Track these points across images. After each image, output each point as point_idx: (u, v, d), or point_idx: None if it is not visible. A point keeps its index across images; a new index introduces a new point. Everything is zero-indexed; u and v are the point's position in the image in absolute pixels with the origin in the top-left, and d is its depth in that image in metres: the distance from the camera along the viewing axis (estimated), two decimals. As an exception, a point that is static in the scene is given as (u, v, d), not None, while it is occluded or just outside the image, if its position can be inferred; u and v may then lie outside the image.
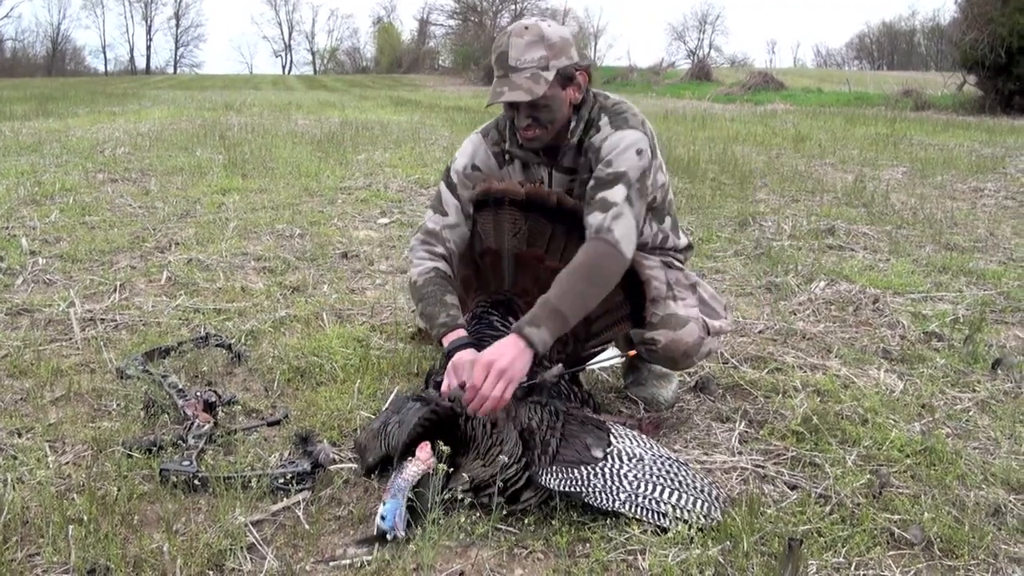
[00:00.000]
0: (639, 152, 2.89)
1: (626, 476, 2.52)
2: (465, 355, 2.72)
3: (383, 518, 2.32)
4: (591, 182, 2.91)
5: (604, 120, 2.97)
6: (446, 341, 2.84)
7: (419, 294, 3.01)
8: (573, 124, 2.99)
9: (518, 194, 3.03)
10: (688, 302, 3.13)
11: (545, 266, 3.04)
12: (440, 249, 3.08)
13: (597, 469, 2.52)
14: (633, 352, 3.04)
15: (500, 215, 3.07)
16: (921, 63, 72.52)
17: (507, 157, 3.14)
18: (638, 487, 2.48)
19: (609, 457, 2.58)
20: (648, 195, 2.96)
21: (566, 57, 2.87)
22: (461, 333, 2.84)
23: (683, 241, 3.31)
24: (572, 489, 2.43)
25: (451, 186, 3.14)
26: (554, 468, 2.48)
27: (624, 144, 2.89)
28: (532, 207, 3.03)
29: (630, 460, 2.59)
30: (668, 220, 3.23)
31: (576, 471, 2.49)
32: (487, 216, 3.10)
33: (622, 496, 2.44)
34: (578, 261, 2.78)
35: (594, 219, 2.83)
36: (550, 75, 2.83)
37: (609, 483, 2.48)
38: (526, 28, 2.86)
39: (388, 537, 2.32)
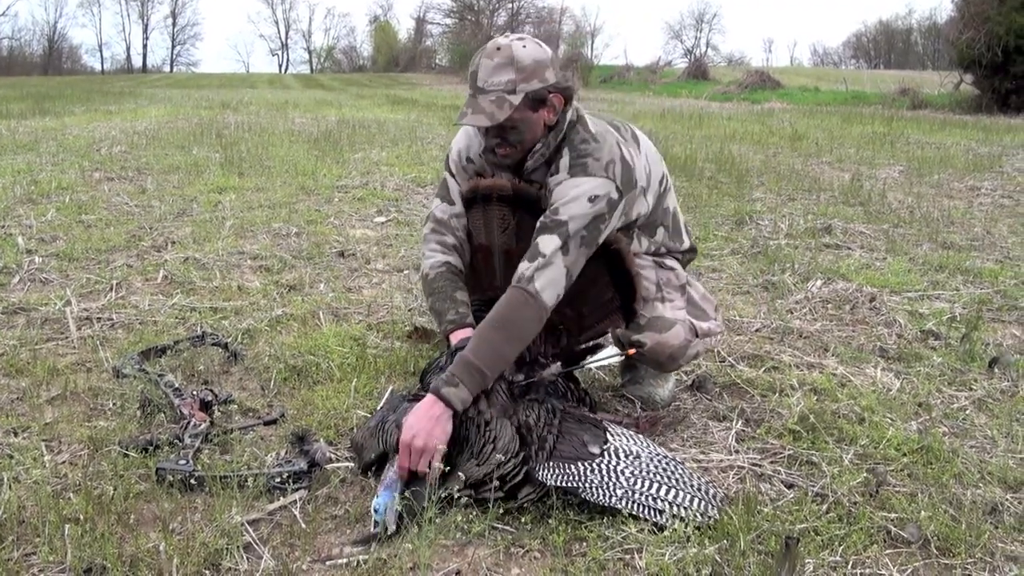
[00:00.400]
0: (592, 199, 2.82)
1: (623, 473, 2.52)
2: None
3: (375, 511, 2.33)
4: (539, 223, 2.86)
5: (564, 160, 2.92)
6: (454, 338, 2.88)
7: (429, 288, 3.05)
8: (540, 146, 2.94)
9: (505, 189, 3.02)
10: (676, 304, 3.13)
11: None
12: (451, 239, 3.11)
13: (594, 465, 2.52)
14: (632, 351, 3.05)
15: (489, 211, 3.08)
16: (918, 62, 72.76)
17: None
18: (635, 484, 2.48)
19: (606, 454, 2.59)
20: (597, 239, 2.87)
21: (538, 80, 2.81)
22: (468, 332, 2.85)
23: (685, 244, 3.32)
24: (569, 484, 2.44)
25: (453, 175, 3.17)
26: (551, 464, 2.49)
27: (573, 194, 2.82)
28: (520, 203, 3.03)
29: (627, 457, 2.60)
30: (661, 231, 3.21)
31: (573, 467, 2.50)
32: (477, 213, 3.11)
33: (619, 492, 2.45)
34: (494, 313, 2.75)
35: (521, 267, 2.79)
36: (516, 99, 2.79)
37: (606, 479, 2.48)
38: (498, 49, 2.81)
39: (376, 530, 2.32)
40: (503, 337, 2.72)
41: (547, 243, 2.78)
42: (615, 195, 2.85)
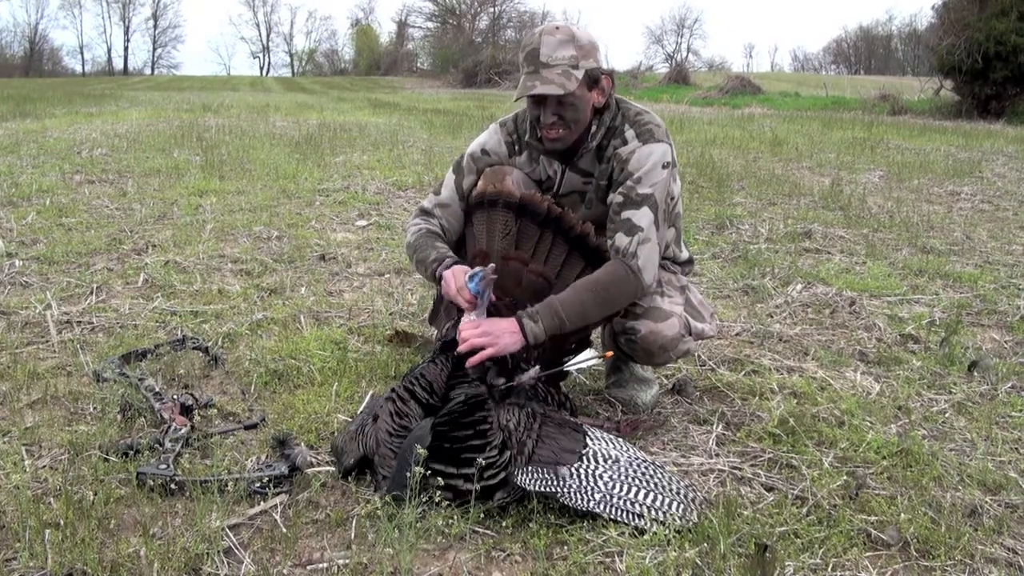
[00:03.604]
0: (665, 166, 2.97)
1: (601, 477, 2.53)
2: (458, 269, 2.91)
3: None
4: (618, 198, 2.96)
5: (629, 131, 3.04)
6: (440, 271, 3.00)
7: (412, 248, 3.18)
8: (594, 128, 3.05)
9: (512, 196, 3.06)
10: (675, 300, 3.15)
11: (529, 269, 3.06)
12: (433, 221, 3.24)
13: (572, 470, 2.52)
14: (610, 353, 3.07)
15: (493, 216, 3.12)
16: (898, 68, 73.04)
17: (516, 148, 3.22)
18: (613, 488, 2.49)
19: (585, 458, 2.59)
20: (670, 212, 3.08)
21: (593, 60, 2.95)
22: (451, 260, 3.00)
23: (684, 254, 3.36)
24: (547, 489, 2.44)
25: (458, 170, 3.27)
26: (530, 468, 2.49)
27: (652, 160, 2.96)
28: (524, 212, 3.06)
29: (606, 462, 2.60)
30: (672, 231, 3.28)
31: (551, 471, 2.49)
32: (481, 217, 3.15)
33: (597, 496, 2.45)
34: (596, 276, 2.92)
35: (620, 240, 2.92)
36: (579, 74, 2.90)
37: (584, 484, 2.49)
38: (557, 28, 2.93)
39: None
40: (594, 300, 2.89)
41: (641, 217, 2.92)
42: (673, 159, 3.03)
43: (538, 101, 2.96)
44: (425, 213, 3.25)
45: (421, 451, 2.38)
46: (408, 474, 2.35)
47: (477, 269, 2.81)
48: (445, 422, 2.48)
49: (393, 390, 2.80)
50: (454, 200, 3.23)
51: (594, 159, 3.11)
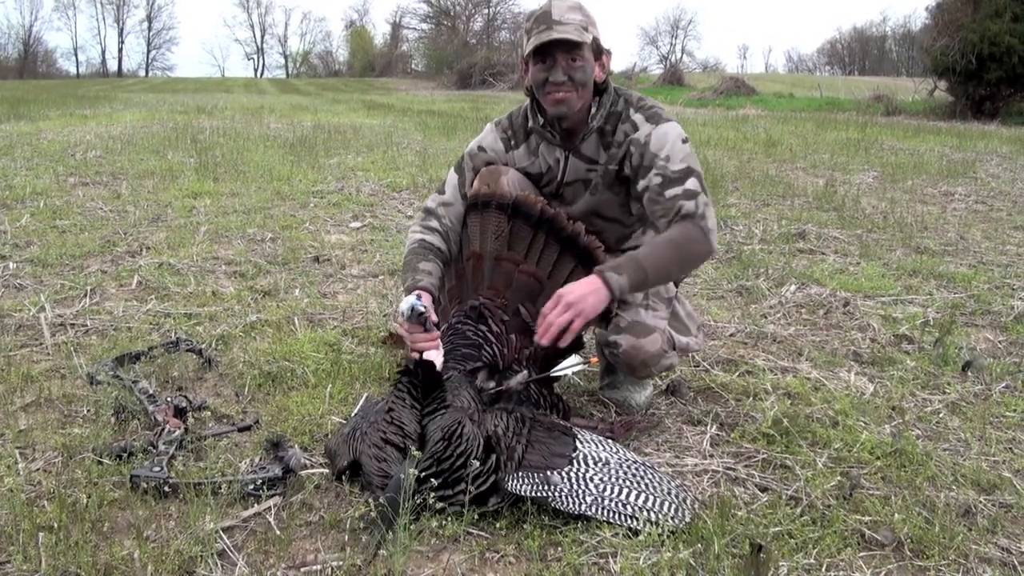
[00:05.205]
0: (684, 141, 3.03)
1: (591, 480, 2.53)
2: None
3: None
4: (655, 180, 2.98)
5: (637, 115, 3.09)
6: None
7: (403, 262, 3.15)
8: (594, 110, 3.10)
9: (504, 198, 3.08)
10: (659, 314, 3.14)
11: (521, 270, 3.07)
12: (434, 223, 3.22)
13: (563, 474, 2.52)
14: (595, 359, 3.07)
15: (486, 217, 3.13)
16: (892, 69, 73.14)
17: (512, 143, 3.24)
18: (604, 490, 2.49)
19: (575, 461, 2.59)
20: None
21: (597, 32, 3.02)
22: (419, 290, 2.91)
23: None
24: (538, 494, 2.44)
25: (460, 169, 3.29)
26: (520, 474, 2.49)
27: (671, 138, 3.01)
28: (518, 213, 3.08)
29: (596, 464, 2.60)
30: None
31: (542, 476, 2.49)
32: (475, 219, 3.17)
33: (588, 499, 2.45)
34: (670, 235, 2.93)
35: (684, 205, 2.94)
36: (589, 37, 2.96)
37: (575, 487, 2.49)
38: None
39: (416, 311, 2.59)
40: (673, 257, 2.91)
41: (691, 184, 2.97)
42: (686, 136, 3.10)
43: (548, 60, 2.98)
44: (429, 213, 3.25)
45: (416, 453, 2.38)
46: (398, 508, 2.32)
47: (408, 306, 2.67)
48: (429, 466, 2.45)
49: (371, 435, 2.66)
50: (457, 199, 3.25)
51: (598, 145, 3.13)
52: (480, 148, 3.28)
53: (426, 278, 3.01)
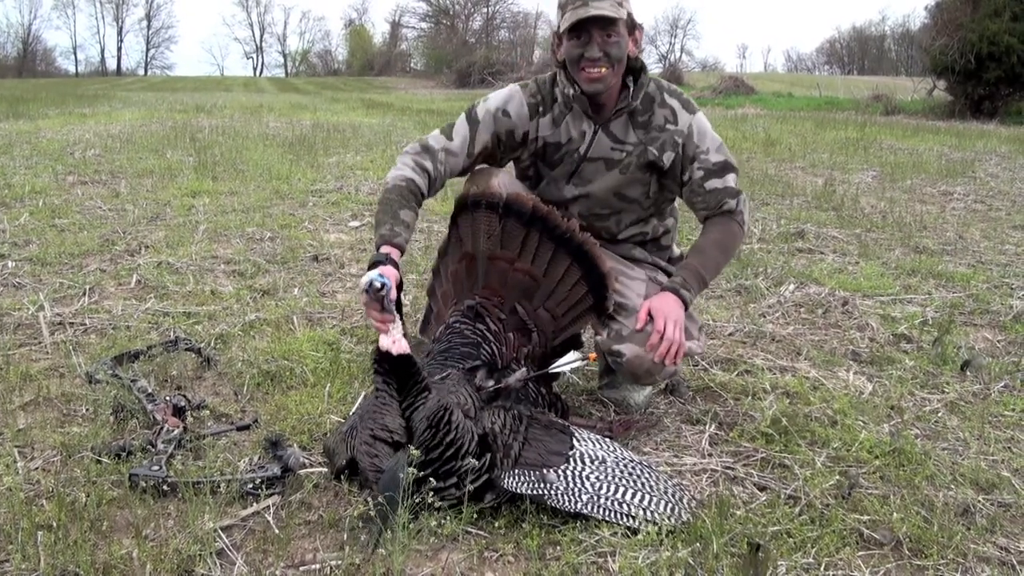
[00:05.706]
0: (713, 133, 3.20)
1: (588, 478, 2.53)
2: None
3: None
4: (698, 172, 3.14)
5: (673, 101, 3.15)
6: (379, 249, 2.84)
7: (381, 196, 3.03)
8: (631, 88, 3.10)
9: (495, 197, 3.05)
10: None
11: (515, 268, 3.05)
12: (428, 164, 3.09)
13: (559, 472, 2.52)
14: (594, 356, 3.06)
15: (477, 217, 3.10)
16: (891, 68, 73.24)
17: (540, 109, 3.19)
18: (600, 489, 2.49)
19: (571, 460, 2.59)
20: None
21: (630, 6, 3.04)
22: (392, 251, 2.83)
23: (676, 252, 3.40)
24: (534, 492, 2.44)
25: (472, 120, 3.17)
26: (516, 471, 2.48)
27: (707, 127, 3.19)
28: (508, 212, 3.05)
29: (592, 463, 2.60)
30: (671, 220, 3.43)
31: (538, 473, 2.49)
32: (467, 219, 3.14)
33: (584, 498, 2.45)
34: (719, 237, 3.15)
35: (725, 200, 3.14)
36: (624, 12, 2.97)
37: (571, 485, 2.49)
38: None
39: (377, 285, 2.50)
40: (721, 257, 3.17)
41: (728, 180, 3.17)
42: None
43: (583, 36, 2.96)
44: (426, 150, 3.11)
45: (415, 452, 2.37)
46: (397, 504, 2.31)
47: (367, 281, 2.57)
48: (420, 456, 2.43)
49: (362, 433, 2.65)
50: (462, 152, 3.13)
51: (627, 124, 3.14)
52: (505, 112, 3.17)
53: (403, 232, 2.91)
